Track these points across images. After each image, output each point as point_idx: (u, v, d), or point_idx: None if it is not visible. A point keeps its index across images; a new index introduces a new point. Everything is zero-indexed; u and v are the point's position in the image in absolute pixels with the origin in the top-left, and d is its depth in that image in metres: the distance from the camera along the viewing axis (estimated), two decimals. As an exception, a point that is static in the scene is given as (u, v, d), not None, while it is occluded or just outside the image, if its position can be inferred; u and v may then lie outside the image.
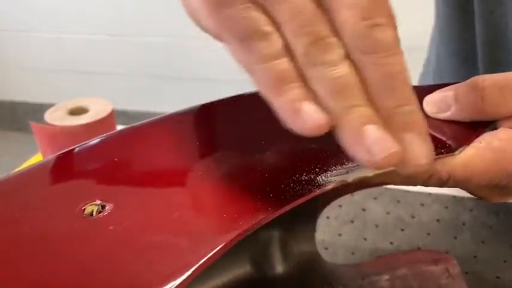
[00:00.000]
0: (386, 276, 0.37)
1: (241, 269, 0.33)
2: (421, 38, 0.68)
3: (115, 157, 0.30)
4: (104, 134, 0.32)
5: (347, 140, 0.24)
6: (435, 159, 0.29)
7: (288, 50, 0.25)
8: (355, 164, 0.28)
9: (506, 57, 0.50)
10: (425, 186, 0.31)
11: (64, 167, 0.31)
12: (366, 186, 0.34)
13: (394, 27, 0.24)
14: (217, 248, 0.24)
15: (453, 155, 0.30)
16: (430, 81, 0.62)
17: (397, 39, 0.24)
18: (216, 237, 0.24)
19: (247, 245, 0.33)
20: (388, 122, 0.24)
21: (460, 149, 0.30)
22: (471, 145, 0.30)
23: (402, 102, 0.24)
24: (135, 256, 0.24)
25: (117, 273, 0.24)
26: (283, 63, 0.24)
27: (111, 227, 0.26)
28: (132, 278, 0.23)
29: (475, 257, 0.44)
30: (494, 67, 0.50)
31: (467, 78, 0.32)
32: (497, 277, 0.42)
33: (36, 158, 0.61)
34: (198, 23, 0.28)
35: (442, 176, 0.30)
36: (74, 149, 0.31)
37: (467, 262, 0.43)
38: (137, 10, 1.91)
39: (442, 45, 0.58)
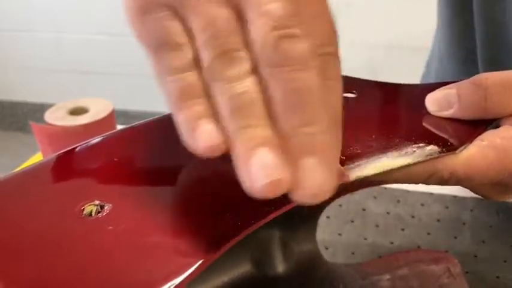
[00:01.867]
0: (387, 276, 0.37)
1: (242, 269, 0.33)
2: (424, 38, 0.68)
3: (114, 157, 0.30)
4: (103, 134, 0.32)
5: (236, 163, 0.22)
6: (437, 158, 0.29)
7: (198, 64, 0.23)
8: (354, 164, 0.28)
9: (506, 57, 0.50)
10: (427, 184, 0.31)
11: (63, 167, 0.31)
12: (366, 185, 0.34)
13: (311, 39, 0.22)
14: (217, 249, 0.24)
15: (455, 153, 0.30)
16: (432, 81, 0.62)
17: (310, 53, 0.22)
18: (215, 237, 0.24)
19: (248, 245, 0.33)
20: (287, 144, 0.22)
21: (462, 147, 0.30)
22: (473, 143, 0.30)
23: (305, 123, 0.22)
24: (133, 256, 0.24)
25: (115, 273, 0.24)
26: (189, 77, 0.23)
27: (109, 227, 0.25)
28: (130, 278, 0.23)
29: (476, 256, 0.44)
30: (494, 67, 0.50)
31: (469, 77, 0.32)
32: (497, 277, 0.42)
33: (36, 158, 0.61)
34: (130, 27, 0.26)
35: (444, 174, 0.30)
36: (72, 149, 0.31)
37: (467, 262, 0.43)
38: (137, 10, 1.90)
39: (444, 45, 0.58)
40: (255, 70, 0.22)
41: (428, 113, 0.33)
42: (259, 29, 0.22)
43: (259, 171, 0.22)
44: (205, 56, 0.23)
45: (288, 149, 0.22)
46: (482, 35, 0.50)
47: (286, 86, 0.22)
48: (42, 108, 0.75)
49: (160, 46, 0.23)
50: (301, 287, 0.34)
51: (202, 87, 0.23)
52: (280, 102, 0.22)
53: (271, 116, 0.22)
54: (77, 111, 0.56)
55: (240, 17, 0.23)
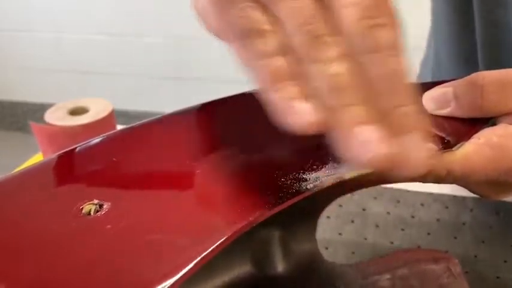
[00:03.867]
0: (387, 276, 0.37)
1: (242, 269, 0.33)
2: (422, 38, 0.68)
3: (112, 157, 0.30)
4: (102, 134, 0.32)
5: (338, 139, 0.24)
6: (434, 155, 0.29)
7: (287, 49, 0.25)
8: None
9: (507, 57, 0.50)
10: (424, 182, 0.31)
11: (62, 167, 0.31)
12: (365, 185, 0.34)
13: (395, 28, 0.24)
14: (215, 245, 0.24)
15: (452, 151, 0.30)
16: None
17: (398, 40, 0.24)
18: (213, 235, 0.25)
19: (248, 245, 0.33)
20: (385, 123, 0.24)
21: (459, 145, 0.30)
22: (470, 141, 0.30)
23: (400, 103, 0.24)
24: (132, 254, 0.24)
25: (114, 271, 0.24)
26: (279, 61, 0.25)
27: (108, 226, 0.26)
28: (129, 276, 0.23)
29: (475, 256, 0.44)
30: (495, 67, 0.50)
31: (467, 74, 0.32)
32: (498, 277, 0.42)
33: (36, 158, 0.61)
34: (204, 22, 0.28)
35: (440, 172, 0.30)
36: (71, 149, 0.31)
37: (467, 262, 0.43)
38: (137, 10, 1.91)
39: (442, 45, 0.58)
40: (345, 54, 0.24)
41: (425, 111, 0.33)
42: (349, 18, 0.24)
43: (365, 147, 0.23)
44: (297, 40, 0.24)
45: (384, 127, 0.24)
46: (483, 36, 0.50)
47: (380, 70, 0.24)
48: (42, 108, 0.75)
49: (246, 34, 0.25)
50: (301, 287, 0.34)
51: (291, 71, 0.25)
52: (375, 84, 0.24)
53: (366, 97, 0.24)
54: (77, 111, 0.56)
55: (322, 6, 0.24)
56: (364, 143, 0.23)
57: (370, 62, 0.24)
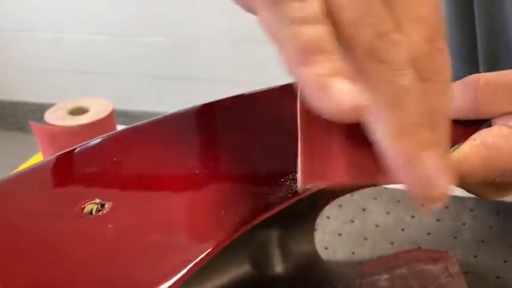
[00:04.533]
0: (385, 276, 0.37)
1: (241, 269, 0.33)
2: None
3: (114, 157, 0.31)
4: (104, 135, 0.32)
5: (398, 162, 0.22)
6: None
7: (328, 20, 0.21)
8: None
9: (507, 52, 0.50)
10: None
11: (64, 167, 0.31)
12: (366, 186, 0.34)
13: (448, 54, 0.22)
14: (214, 246, 0.24)
15: (448, 152, 0.30)
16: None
17: (450, 68, 0.22)
18: (213, 235, 0.25)
19: (247, 245, 0.33)
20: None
21: (455, 147, 0.30)
22: (466, 143, 0.30)
23: (440, 142, 0.23)
24: (133, 254, 0.24)
25: (115, 271, 0.24)
26: (318, 30, 0.20)
27: (110, 226, 0.26)
28: (130, 276, 0.23)
29: (475, 256, 0.44)
30: (495, 64, 0.50)
31: (467, 74, 0.32)
32: (498, 277, 0.42)
33: (36, 158, 0.61)
34: None
35: None
36: (73, 149, 0.31)
37: (467, 262, 0.43)
38: (137, 10, 1.91)
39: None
40: (411, 59, 0.22)
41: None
42: (415, 34, 0.21)
43: (435, 180, 0.23)
44: (362, 32, 0.21)
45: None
46: (483, 33, 0.50)
47: (431, 100, 0.22)
48: (42, 108, 0.76)
49: None
50: (300, 287, 0.34)
51: (333, 45, 0.20)
52: (434, 112, 0.23)
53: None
54: (77, 111, 0.57)
55: (387, 6, 0.21)
56: (434, 177, 0.22)
57: (428, 88, 0.22)
